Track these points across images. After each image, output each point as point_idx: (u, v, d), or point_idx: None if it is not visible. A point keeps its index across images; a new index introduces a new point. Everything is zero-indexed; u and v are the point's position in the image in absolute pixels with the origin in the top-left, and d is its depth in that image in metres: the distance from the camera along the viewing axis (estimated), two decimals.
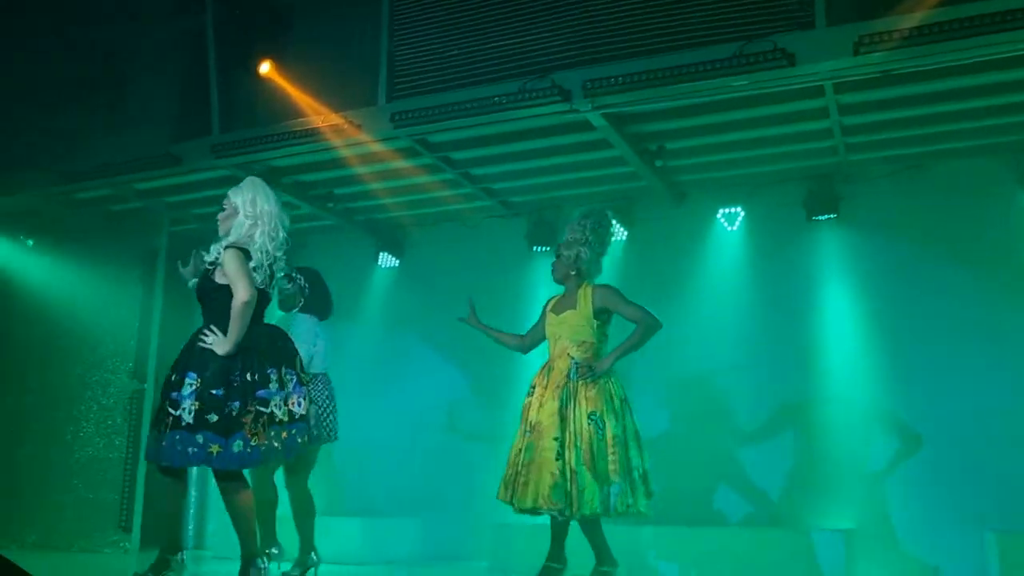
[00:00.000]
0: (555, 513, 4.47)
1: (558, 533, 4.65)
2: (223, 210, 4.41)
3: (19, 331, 7.86)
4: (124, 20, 7.32)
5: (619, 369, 4.76)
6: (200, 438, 3.88)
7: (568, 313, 4.79)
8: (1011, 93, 5.40)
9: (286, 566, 5.27)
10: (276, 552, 4.94)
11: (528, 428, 4.62)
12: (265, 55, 6.36)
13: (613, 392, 4.63)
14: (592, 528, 4.63)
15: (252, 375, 4.00)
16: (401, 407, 7.41)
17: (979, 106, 5.58)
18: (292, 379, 4.15)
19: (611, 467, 4.44)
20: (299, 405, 4.12)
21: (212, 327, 4.06)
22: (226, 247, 4.18)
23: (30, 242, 8.07)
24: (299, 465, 5.20)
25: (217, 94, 6.82)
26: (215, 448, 3.87)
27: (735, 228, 6.92)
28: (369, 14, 6.35)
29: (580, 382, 4.59)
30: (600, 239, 4.87)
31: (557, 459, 4.43)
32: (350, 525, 6.75)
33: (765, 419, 6.65)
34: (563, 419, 4.52)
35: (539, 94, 5.57)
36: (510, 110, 5.72)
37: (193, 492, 7.95)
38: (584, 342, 4.71)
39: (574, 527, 4.63)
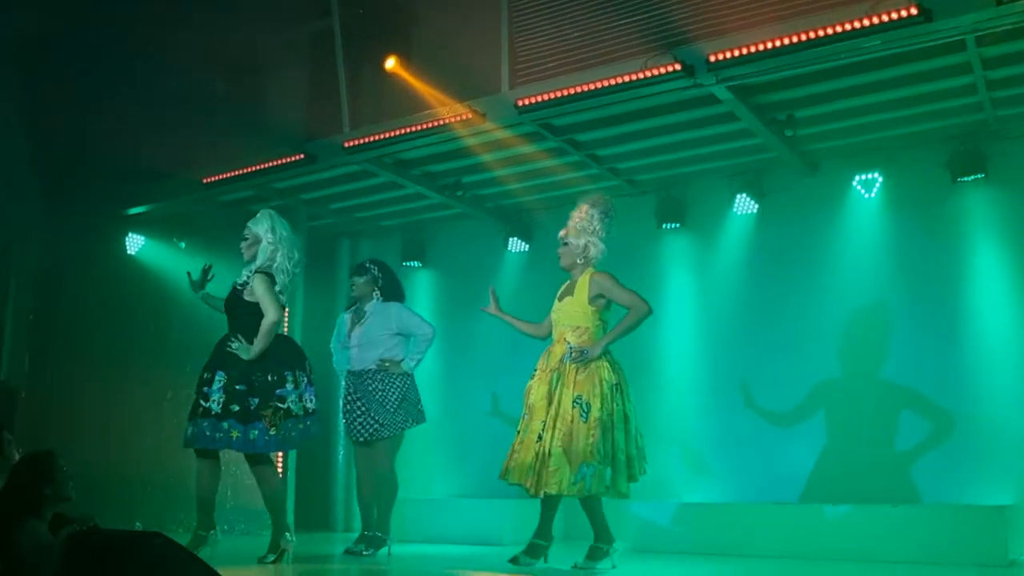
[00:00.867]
0: (524, 488, 4.71)
1: (544, 511, 4.88)
2: (245, 240, 5.32)
3: (176, 330, 8.35)
4: (257, 28, 7.64)
5: (613, 351, 4.92)
6: (225, 425, 4.79)
7: (567, 300, 4.98)
8: None
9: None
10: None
11: (526, 410, 4.86)
12: (390, 51, 6.52)
13: (603, 377, 4.74)
14: (588, 505, 4.79)
15: (272, 376, 4.93)
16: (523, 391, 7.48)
17: None
18: (304, 379, 5.05)
19: (589, 449, 4.56)
20: (311, 401, 5.04)
21: (238, 335, 5.01)
22: (256, 271, 5.11)
23: (183, 244, 8.56)
24: (384, 447, 5.65)
25: (346, 92, 7.03)
26: (235, 433, 4.78)
27: (873, 195, 6.65)
28: (488, 3, 6.42)
29: (571, 366, 4.74)
30: (606, 228, 5.08)
31: (538, 440, 4.66)
32: (487, 506, 6.90)
33: (915, 393, 6.38)
34: (549, 402, 4.72)
35: (662, 70, 5.51)
36: (634, 89, 5.67)
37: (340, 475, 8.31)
38: (579, 327, 4.87)
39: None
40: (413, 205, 8.03)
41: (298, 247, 5.34)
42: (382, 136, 6.68)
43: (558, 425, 4.64)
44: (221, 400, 4.86)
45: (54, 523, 3.74)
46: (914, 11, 4.77)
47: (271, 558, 5.02)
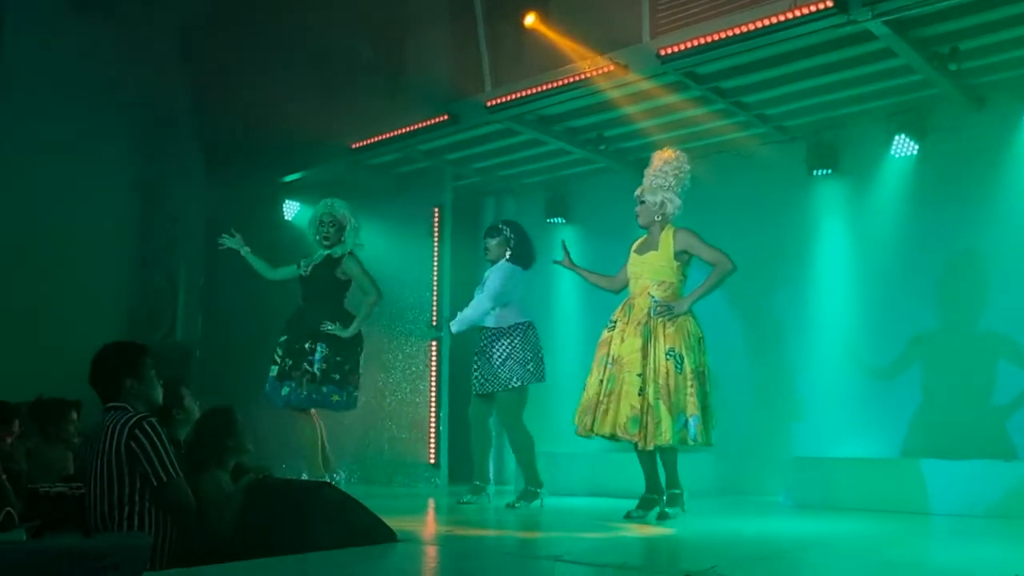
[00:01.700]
0: (631, 442, 4.78)
1: (646, 464, 4.98)
2: (332, 225, 6.23)
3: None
4: None
5: (697, 310, 4.96)
6: (324, 389, 5.96)
7: (651, 254, 5.02)
8: None
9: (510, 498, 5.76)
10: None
11: (610, 361, 4.88)
12: (529, 7, 6.51)
13: (690, 330, 4.85)
14: (668, 456, 4.89)
15: (360, 347, 6.17)
16: None
17: None
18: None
19: (690, 399, 4.69)
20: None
21: (326, 310, 6.05)
22: (349, 253, 6.18)
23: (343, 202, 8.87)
24: (501, 402, 5.78)
25: (487, 50, 7.08)
26: (335, 397, 6.00)
27: None
28: None
29: (660, 320, 4.81)
30: (681, 183, 5.09)
31: (639, 394, 4.71)
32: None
33: None
34: (644, 356, 4.77)
35: (813, 8, 5.27)
36: (783, 30, 5.46)
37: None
38: (664, 282, 4.94)
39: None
40: (555, 161, 8.04)
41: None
42: (524, 93, 6.71)
43: (657, 380, 4.72)
44: (322, 368, 5.96)
45: (234, 473, 4.00)
46: None
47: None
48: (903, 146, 6.60)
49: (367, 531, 3.60)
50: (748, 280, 7.15)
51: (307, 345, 6.02)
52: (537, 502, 5.70)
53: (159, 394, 3.73)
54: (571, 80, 6.46)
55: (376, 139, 7.77)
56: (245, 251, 6.56)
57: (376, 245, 8.36)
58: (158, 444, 3.39)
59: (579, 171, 8.22)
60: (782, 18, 5.43)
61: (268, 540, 3.50)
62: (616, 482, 6.64)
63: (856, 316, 6.82)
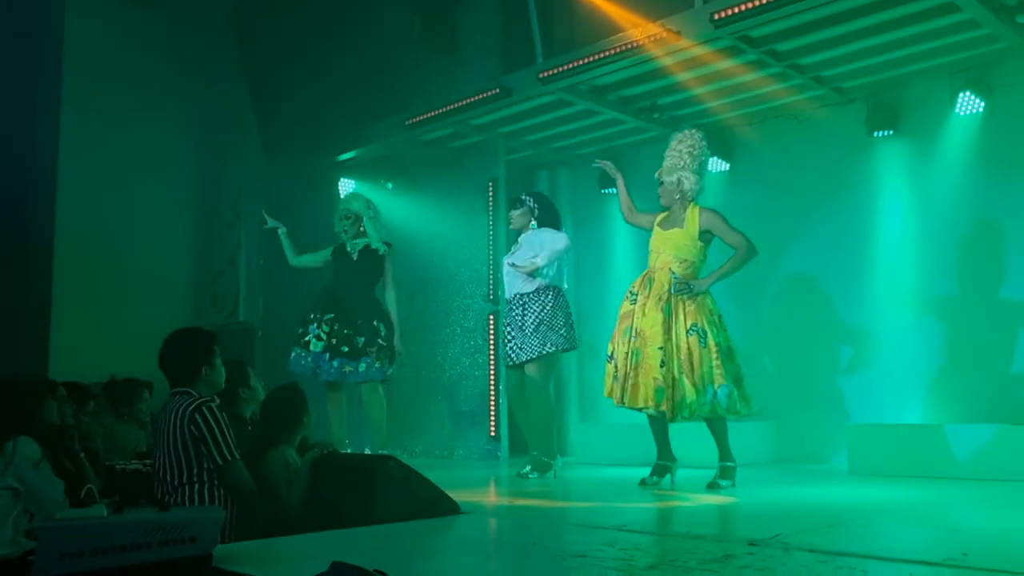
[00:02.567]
0: (659, 414, 4.91)
1: (658, 433, 5.13)
2: (348, 219, 6.77)
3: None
4: None
5: (714, 289, 5.04)
6: (377, 364, 6.39)
7: (674, 231, 5.10)
8: None
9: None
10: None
11: (634, 334, 4.97)
12: None
13: (711, 308, 4.96)
14: (717, 426, 4.97)
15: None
16: (748, 311, 7.33)
17: None
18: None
19: (717, 371, 4.80)
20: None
21: (362, 294, 6.54)
22: (390, 248, 6.73)
23: (389, 185, 8.97)
24: (531, 371, 5.78)
25: (537, 22, 7.03)
26: (389, 370, 6.47)
27: None
28: None
29: (680, 297, 4.91)
30: (697, 160, 5.16)
31: (661, 366, 4.81)
32: (704, 430, 6.87)
33: None
34: (666, 331, 4.87)
35: None
36: None
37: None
38: (686, 260, 5.03)
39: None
40: (609, 131, 7.98)
41: None
42: (575, 64, 6.66)
43: (679, 356, 4.84)
44: (382, 345, 6.41)
45: (299, 448, 4.09)
46: None
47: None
48: (968, 104, 6.41)
49: (431, 504, 3.66)
50: (809, 245, 7.12)
51: (374, 323, 6.47)
52: (551, 473, 5.73)
53: (223, 379, 3.83)
54: (623, 48, 6.39)
55: (429, 115, 7.79)
56: (282, 231, 7.10)
57: (431, 220, 8.43)
58: (215, 428, 3.49)
59: (633, 140, 8.15)
60: None
61: (335, 514, 3.58)
62: (675, 452, 6.64)
63: (919, 281, 6.67)
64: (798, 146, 7.24)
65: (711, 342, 4.84)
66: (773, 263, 7.27)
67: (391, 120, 8.12)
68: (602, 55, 6.51)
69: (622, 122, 7.65)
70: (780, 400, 7.12)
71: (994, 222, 6.36)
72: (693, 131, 5.28)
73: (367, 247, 6.68)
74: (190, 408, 3.50)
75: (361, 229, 6.74)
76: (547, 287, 5.87)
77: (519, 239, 6.10)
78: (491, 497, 4.98)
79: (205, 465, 3.49)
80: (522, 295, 5.89)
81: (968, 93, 6.37)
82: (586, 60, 6.59)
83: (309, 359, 6.41)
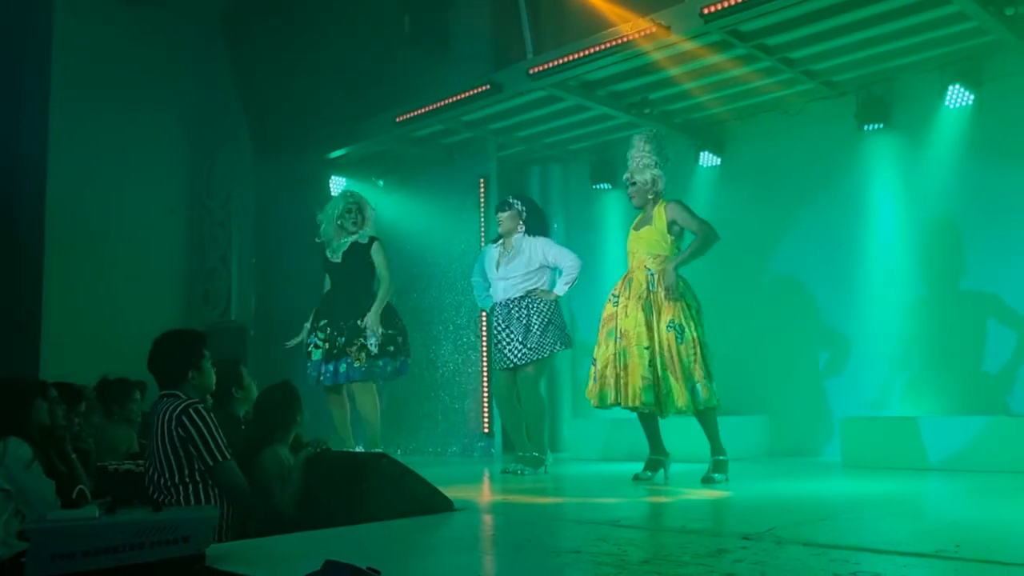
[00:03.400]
0: (648, 411, 5.01)
1: (648, 429, 5.20)
2: (359, 211, 6.54)
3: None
4: None
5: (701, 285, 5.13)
6: (380, 362, 6.24)
7: (645, 229, 5.20)
8: None
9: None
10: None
11: (618, 335, 5.04)
12: None
13: (688, 302, 5.02)
14: (706, 420, 5.00)
15: (399, 317, 6.48)
16: (739, 305, 7.34)
17: None
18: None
19: (695, 365, 4.89)
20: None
21: (353, 290, 6.34)
22: (373, 238, 6.47)
23: (380, 182, 8.96)
24: (531, 371, 5.82)
25: (527, 18, 7.03)
26: (390, 368, 6.31)
27: None
28: None
29: (659, 294, 4.99)
30: (665, 158, 5.26)
31: (649, 366, 4.90)
32: (697, 424, 6.88)
33: None
34: (650, 329, 4.96)
35: None
36: None
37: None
38: (658, 255, 5.10)
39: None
40: (600, 127, 7.97)
41: None
42: (566, 59, 6.65)
43: (663, 352, 4.93)
44: (378, 344, 6.23)
45: (293, 446, 4.09)
46: None
47: None
48: (958, 96, 6.42)
49: (425, 501, 3.66)
50: (800, 239, 7.13)
51: (358, 322, 6.27)
52: (542, 469, 5.77)
53: (213, 381, 3.83)
54: (613, 44, 6.38)
55: (419, 111, 7.76)
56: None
57: (422, 217, 8.42)
58: (204, 430, 3.49)
59: (624, 135, 8.10)
60: None
61: (329, 512, 3.58)
62: (668, 447, 6.65)
63: (910, 273, 6.69)
64: (789, 140, 7.25)
65: (688, 336, 4.92)
66: (764, 257, 7.30)
67: (381, 117, 8.10)
68: (592, 50, 6.50)
69: (613, 117, 7.64)
70: (772, 394, 7.15)
71: (985, 214, 6.37)
72: (654, 131, 5.42)
73: (352, 245, 6.49)
74: (177, 411, 3.50)
75: (354, 222, 6.52)
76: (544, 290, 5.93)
77: (503, 242, 6.10)
78: (485, 494, 4.98)
79: (196, 466, 3.49)
80: (509, 301, 5.92)
81: (958, 86, 6.38)
82: (576, 55, 6.59)
83: (313, 369, 6.42)
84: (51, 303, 8.30)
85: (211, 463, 3.49)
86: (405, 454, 7.92)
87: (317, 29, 8.47)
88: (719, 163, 7.73)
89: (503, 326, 5.94)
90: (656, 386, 4.92)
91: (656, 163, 5.21)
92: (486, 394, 7.86)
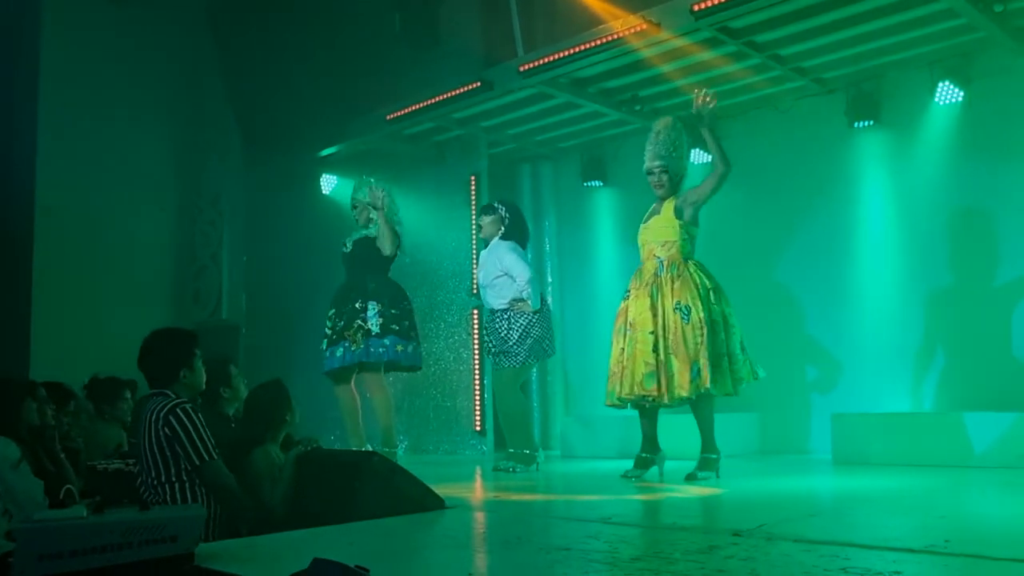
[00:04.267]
0: (649, 398, 4.86)
1: (647, 424, 5.11)
2: (363, 207, 6.49)
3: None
4: None
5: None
6: (387, 340, 6.06)
7: (653, 220, 5.17)
8: None
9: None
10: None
11: (628, 328, 4.99)
12: None
13: (698, 281, 4.92)
14: (702, 413, 4.94)
15: (409, 302, 6.36)
16: (730, 301, 7.34)
17: None
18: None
19: (700, 348, 4.76)
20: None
21: (368, 278, 6.21)
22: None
23: (372, 180, 8.91)
24: (504, 376, 5.86)
25: (517, 15, 7.02)
26: (400, 347, 6.10)
27: None
28: None
29: (667, 276, 4.93)
30: (678, 147, 5.20)
31: (653, 351, 4.82)
32: (688, 422, 6.89)
33: None
34: (654, 314, 4.89)
35: None
36: None
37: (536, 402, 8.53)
38: (667, 241, 5.04)
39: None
40: (591, 124, 7.97)
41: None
42: (556, 56, 6.65)
43: (668, 335, 4.84)
44: (380, 321, 6.09)
45: (283, 445, 4.07)
46: None
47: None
48: (947, 93, 6.44)
49: (416, 499, 3.65)
50: (791, 236, 7.14)
51: (356, 304, 6.18)
52: (534, 466, 5.78)
53: (203, 380, 3.81)
54: (603, 41, 6.39)
55: (410, 109, 7.76)
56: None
57: (414, 215, 8.40)
58: (191, 429, 3.47)
59: (615, 133, 8.16)
60: None
61: (319, 510, 3.57)
62: (728, 443, 6.67)
63: (899, 269, 6.71)
64: (779, 137, 7.25)
65: (694, 317, 4.81)
66: (755, 254, 7.30)
67: (372, 115, 8.09)
68: (582, 47, 6.50)
69: (604, 115, 7.65)
70: (764, 391, 7.13)
71: (974, 210, 6.40)
72: (670, 120, 5.31)
73: (364, 236, 6.45)
74: (164, 410, 3.49)
75: (370, 217, 6.47)
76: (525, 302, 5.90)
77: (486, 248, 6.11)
78: (476, 492, 4.97)
79: (183, 465, 3.48)
80: (493, 310, 5.94)
81: (947, 83, 6.40)
82: (566, 53, 6.59)
83: (323, 360, 6.36)
84: (41, 302, 8.24)
85: (197, 463, 3.47)
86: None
87: (307, 27, 8.45)
88: (710, 159, 7.70)
89: (488, 331, 5.99)
90: (658, 372, 4.81)
91: (670, 155, 5.17)
92: (477, 392, 7.86)
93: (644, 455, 5.14)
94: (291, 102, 8.48)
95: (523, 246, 6.10)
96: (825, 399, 6.85)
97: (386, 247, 6.29)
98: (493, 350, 5.92)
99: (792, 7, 5.77)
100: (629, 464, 5.17)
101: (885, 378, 6.65)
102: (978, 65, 6.37)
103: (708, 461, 4.95)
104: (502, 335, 5.83)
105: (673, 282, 4.92)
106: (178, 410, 3.49)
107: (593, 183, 8.40)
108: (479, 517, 3.85)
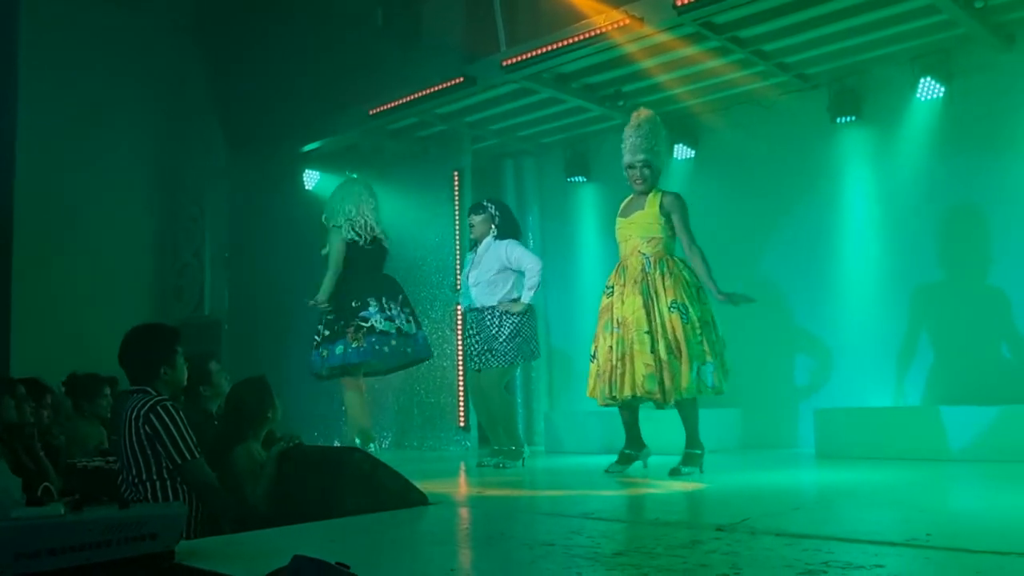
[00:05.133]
0: (652, 400, 4.81)
1: (629, 421, 5.07)
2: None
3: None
4: None
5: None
6: (354, 344, 6.42)
7: (637, 214, 5.04)
8: None
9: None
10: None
11: (615, 325, 4.90)
12: None
13: (688, 280, 4.89)
14: (687, 411, 4.91)
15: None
16: (710, 298, 7.36)
17: None
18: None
19: (704, 347, 4.75)
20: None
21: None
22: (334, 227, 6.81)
23: (354, 175, 8.87)
24: (491, 375, 5.85)
25: (500, 10, 7.00)
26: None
27: None
28: None
29: (656, 274, 4.86)
30: (664, 140, 5.17)
31: (651, 351, 4.73)
32: (671, 417, 6.90)
33: None
34: (648, 312, 4.79)
35: None
36: None
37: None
38: (653, 237, 4.96)
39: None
40: (574, 119, 7.96)
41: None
42: (539, 51, 6.64)
43: (666, 335, 4.76)
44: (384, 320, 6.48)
45: (265, 441, 4.05)
46: None
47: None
48: (929, 89, 6.47)
49: (399, 495, 3.63)
50: (774, 231, 7.16)
51: (353, 304, 6.50)
52: (520, 461, 5.78)
53: (185, 377, 3.78)
54: (586, 36, 6.38)
55: (393, 104, 7.72)
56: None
57: (396, 211, 8.38)
58: (172, 428, 3.44)
59: (598, 128, 8.15)
60: None
61: (301, 507, 3.55)
62: (710, 438, 6.68)
63: (882, 264, 6.74)
64: (763, 132, 7.28)
65: (693, 316, 4.78)
66: (738, 249, 7.30)
67: (355, 110, 8.04)
68: (565, 43, 6.49)
69: (587, 110, 7.64)
70: (747, 386, 7.16)
71: (956, 205, 6.44)
72: (649, 114, 5.20)
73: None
74: (144, 408, 3.45)
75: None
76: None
77: (478, 248, 6.08)
78: (459, 487, 4.96)
79: (164, 464, 3.45)
80: (483, 308, 5.91)
81: (928, 79, 6.43)
82: (549, 48, 6.57)
83: (313, 359, 6.76)
84: (21, 299, 8.18)
85: (179, 461, 3.45)
86: (380, 448, 7.89)
87: (290, 23, 8.41)
88: (693, 155, 7.75)
89: (474, 331, 5.96)
90: (660, 372, 4.73)
91: (648, 148, 5.06)
92: (461, 388, 7.84)
93: (627, 451, 5.12)
94: (274, 98, 8.45)
95: (518, 239, 6.12)
96: (808, 394, 6.88)
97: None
98: (477, 348, 5.90)
99: (775, 3, 5.78)
100: (613, 459, 5.17)
101: (868, 373, 6.68)
102: (959, 61, 6.40)
103: (692, 456, 4.92)
104: (492, 332, 5.81)
105: (664, 280, 4.84)
106: (159, 408, 3.46)
107: (576, 178, 8.40)
108: (462, 513, 3.84)
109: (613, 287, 5.02)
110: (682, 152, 7.74)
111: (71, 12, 8.81)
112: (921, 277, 6.57)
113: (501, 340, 5.79)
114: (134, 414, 3.46)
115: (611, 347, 4.89)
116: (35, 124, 8.28)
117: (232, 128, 8.98)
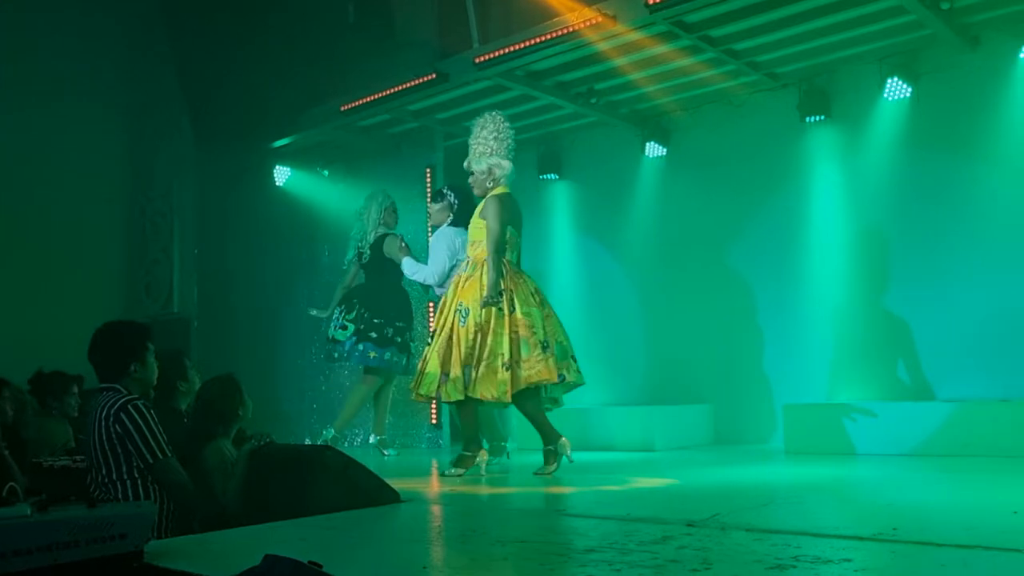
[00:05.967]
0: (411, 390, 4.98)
1: (460, 419, 5.09)
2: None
3: (325, 254, 8.70)
4: None
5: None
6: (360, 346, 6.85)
7: (473, 218, 5.13)
8: None
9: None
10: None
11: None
12: None
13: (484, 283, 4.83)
14: (524, 407, 4.85)
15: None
16: (682, 294, 7.42)
17: None
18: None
19: (462, 354, 4.71)
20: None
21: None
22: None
23: (326, 172, 8.85)
24: None
25: (473, 7, 6.99)
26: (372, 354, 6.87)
27: None
28: None
29: (465, 275, 4.94)
30: (503, 144, 5.08)
31: (428, 344, 4.93)
32: (641, 414, 6.96)
33: None
34: (442, 311, 4.93)
35: None
36: None
37: None
38: (476, 242, 5.02)
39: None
40: (547, 117, 7.97)
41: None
42: (512, 48, 6.64)
43: (440, 333, 4.85)
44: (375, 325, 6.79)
45: (235, 439, 4.02)
46: None
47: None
48: (896, 89, 6.55)
49: (371, 493, 3.63)
50: (743, 228, 7.22)
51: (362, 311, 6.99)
52: (503, 456, 5.80)
53: (155, 375, 3.74)
54: (559, 33, 6.39)
55: (365, 100, 7.69)
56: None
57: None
58: (143, 427, 3.41)
59: (571, 126, 8.17)
60: None
61: (272, 505, 3.53)
62: (613, 436, 6.71)
63: (850, 262, 6.82)
64: (733, 131, 7.34)
65: (470, 321, 4.76)
66: (708, 246, 7.38)
67: (326, 106, 8.01)
68: (538, 40, 6.51)
69: (559, 107, 7.65)
70: (716, 382, 7.25)
71: (921, 203, 6.52)
72: (495, 114, 5.18)
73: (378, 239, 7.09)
74: (115, 407, 3.42)
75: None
76: None
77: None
78: (432, 485, 4.96)
79: (135, 463, 3.42)
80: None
81: (896, 79, 6.51)
82: (522, 45, 6.58)
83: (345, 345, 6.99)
84: None
85: (151, 461, 3.41)
86: (353, 446, 7.86)
87: (260, 17, 8.33)
88: (665, 153, 7.79)
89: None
90: (421, 364, 4.90)
91: (494, 151, 5.06)
92: None
93: (464, 452, 5.06)
94: (243, 93, 8.36)
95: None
96: (777, 390, 6.94)
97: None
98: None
99: (746, 2, 5.82)
100: (585, 455, 5.16)
101: (836, 369, 6.76)
102: (925, 61, 6.50)
103: (548, 453, 4.89)
104: None
105: (463, 281, 4.92)
106: (130, 407, 3.42)
107: (549, 176, 8.41)
108: (435, 510, 3.84)
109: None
110: (653, 150, 7.78)
111: (37, 3, 8.68)
112: (888, 274, 6.65)
113: None
114: (104, 413, 3.42)
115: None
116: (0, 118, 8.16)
117: (202, 124, 8.89)
